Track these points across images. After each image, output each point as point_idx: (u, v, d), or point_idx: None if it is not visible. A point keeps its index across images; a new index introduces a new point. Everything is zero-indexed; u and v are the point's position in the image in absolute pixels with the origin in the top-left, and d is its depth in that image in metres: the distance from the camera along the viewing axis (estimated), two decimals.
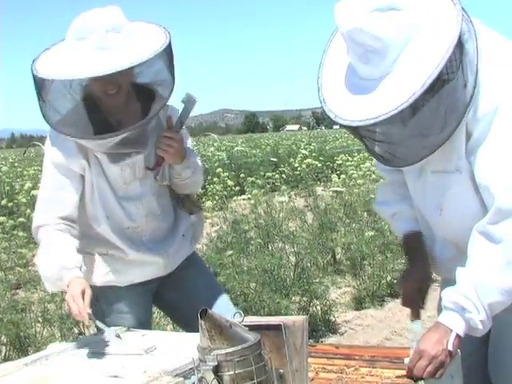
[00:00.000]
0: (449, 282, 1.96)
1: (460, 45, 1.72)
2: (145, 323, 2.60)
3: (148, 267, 2.53)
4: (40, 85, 2.33)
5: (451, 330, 1.81)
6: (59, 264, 2.26)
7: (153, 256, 2.52)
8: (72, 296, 2.17)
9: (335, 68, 1.88)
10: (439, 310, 2.06)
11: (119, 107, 2.38)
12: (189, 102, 2.48)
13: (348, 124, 1.79)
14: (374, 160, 2.09)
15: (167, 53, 2.35)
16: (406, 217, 2.17)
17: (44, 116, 2.37)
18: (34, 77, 2.31)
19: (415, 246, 2.15)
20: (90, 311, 2.15)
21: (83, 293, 2.17)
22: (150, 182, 2.52)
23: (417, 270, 2.12)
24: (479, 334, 1.85)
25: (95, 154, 2.40)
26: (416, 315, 2.10)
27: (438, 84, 1.72)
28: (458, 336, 1.81)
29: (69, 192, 2.41)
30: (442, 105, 1.76)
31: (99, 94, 2.36)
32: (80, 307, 2.14)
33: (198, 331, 1.54)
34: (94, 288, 2.30)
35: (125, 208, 2.48)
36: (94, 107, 2.40)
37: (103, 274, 2.50)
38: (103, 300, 2.50)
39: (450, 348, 1.80)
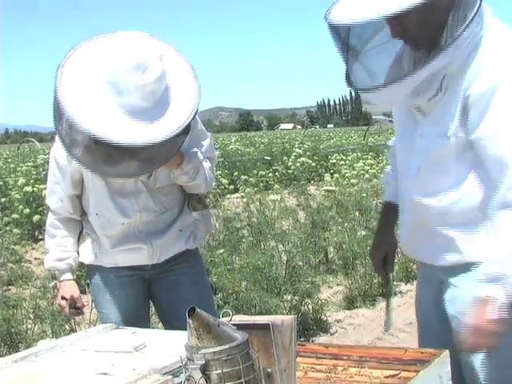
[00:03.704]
0: (424, 268, 2.08)
1: None
2: (131, 309, 2.68)
3: (131, 254, 2.60)
4: (60, 112, 2.19)
5: (493, 299, 1.82)
6: (54, 259, 2.67)
7: (136, 243, 2.57)
8: (61, 306, 2.67)
9: None
10: (417, 311, 2.13)
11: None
12: None
13: (345, 22, 1.90)
14: (384, 147, 2.20)
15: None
16: (391, 188, 2.32)
17: (62, 140, 2.27)
18: (56, 99, 2.16)
19: (385, 216, 2.36)
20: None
21: (72, 298, 2.62)
22: (146, 181, 2.55)
23: (380, 238, 2.34)
24: None
25: None
26: (386, 282, 2.20)
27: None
28: (500, 303, 1.82)
29: (61, 188, 2.63)
30: (429, 21, 1.87)
31: None
32: (73, 312, 2.69)
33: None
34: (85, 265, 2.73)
35: (118, 203, 2.54)
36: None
37: (89, 253, 2.66)
38: (91, 278, 2.74)
39: (496, 317, 1.82)
